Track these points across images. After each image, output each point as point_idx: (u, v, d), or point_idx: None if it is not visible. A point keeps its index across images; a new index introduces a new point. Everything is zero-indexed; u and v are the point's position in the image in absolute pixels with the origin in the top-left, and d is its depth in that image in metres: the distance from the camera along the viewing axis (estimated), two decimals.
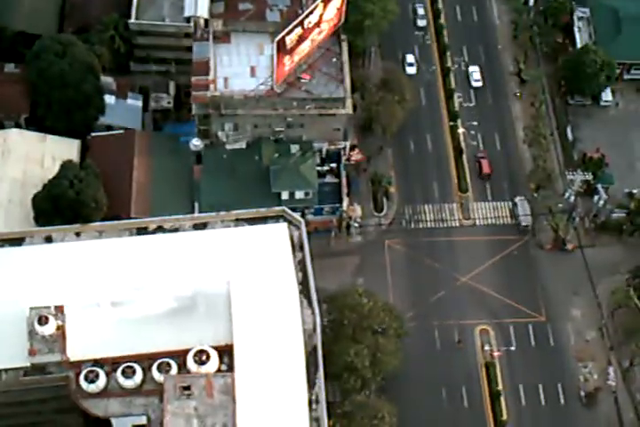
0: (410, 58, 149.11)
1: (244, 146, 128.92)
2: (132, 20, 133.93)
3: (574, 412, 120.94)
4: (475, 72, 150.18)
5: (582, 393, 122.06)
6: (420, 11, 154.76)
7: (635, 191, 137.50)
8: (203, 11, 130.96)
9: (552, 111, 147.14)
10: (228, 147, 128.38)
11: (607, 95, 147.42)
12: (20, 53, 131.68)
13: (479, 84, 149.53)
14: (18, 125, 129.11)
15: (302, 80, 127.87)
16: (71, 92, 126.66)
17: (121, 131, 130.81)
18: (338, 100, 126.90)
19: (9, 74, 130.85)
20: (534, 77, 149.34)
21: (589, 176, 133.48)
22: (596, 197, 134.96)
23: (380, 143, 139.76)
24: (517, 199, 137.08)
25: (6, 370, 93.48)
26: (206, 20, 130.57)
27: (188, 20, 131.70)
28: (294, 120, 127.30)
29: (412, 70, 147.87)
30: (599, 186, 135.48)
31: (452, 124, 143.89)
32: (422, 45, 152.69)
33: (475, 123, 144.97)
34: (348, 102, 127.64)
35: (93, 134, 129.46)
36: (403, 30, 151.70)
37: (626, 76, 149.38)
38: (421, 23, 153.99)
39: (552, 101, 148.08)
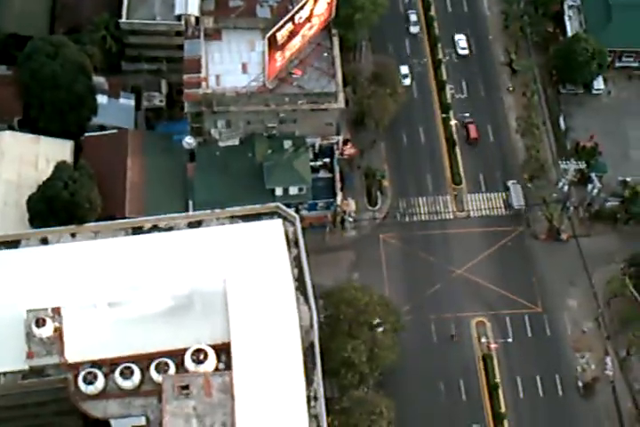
0: (404, 69, 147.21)
1: (236, 143, 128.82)
2: (123, 20, 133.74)
3: (572, 403, 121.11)
4: (461, 40, 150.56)
5: (580, 384, 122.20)
6: (413, 17, 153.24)
7: (629, 179, 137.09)
8: (193, 8, 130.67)
9: (544, 101, 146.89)
10: (221, 144, 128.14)
11: (599, 83, 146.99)
12: (12, 55, 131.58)
13: (466, 51, 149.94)
14: (11, 128, 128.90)
15: (294, 75, 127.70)
16: (63, 93, 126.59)
17: (114, 130, 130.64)
18: (330, 95, 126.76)
19: (1, 76, 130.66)
20: (526, 67, 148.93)
21: (583, 165, 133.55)
22: (589, 186, 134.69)
23: (373, 137, 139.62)
24: (510, 183, 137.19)
25: (5, 373, 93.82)
26: (197, 18, 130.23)
27: (178, 18, 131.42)
28: (287, 116, 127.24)
29: (406, 82, 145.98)
30: (593, 175, 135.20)
31: (444, 115, 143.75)
32: (413, 38, 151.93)
33: (467, 114, 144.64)
34: (340, 97, 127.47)
35: (87, 135, 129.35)
36: (393, 24, 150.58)
37: (617, 64, 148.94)
38: (414, 30, 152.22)
39: (544, 91, 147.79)
